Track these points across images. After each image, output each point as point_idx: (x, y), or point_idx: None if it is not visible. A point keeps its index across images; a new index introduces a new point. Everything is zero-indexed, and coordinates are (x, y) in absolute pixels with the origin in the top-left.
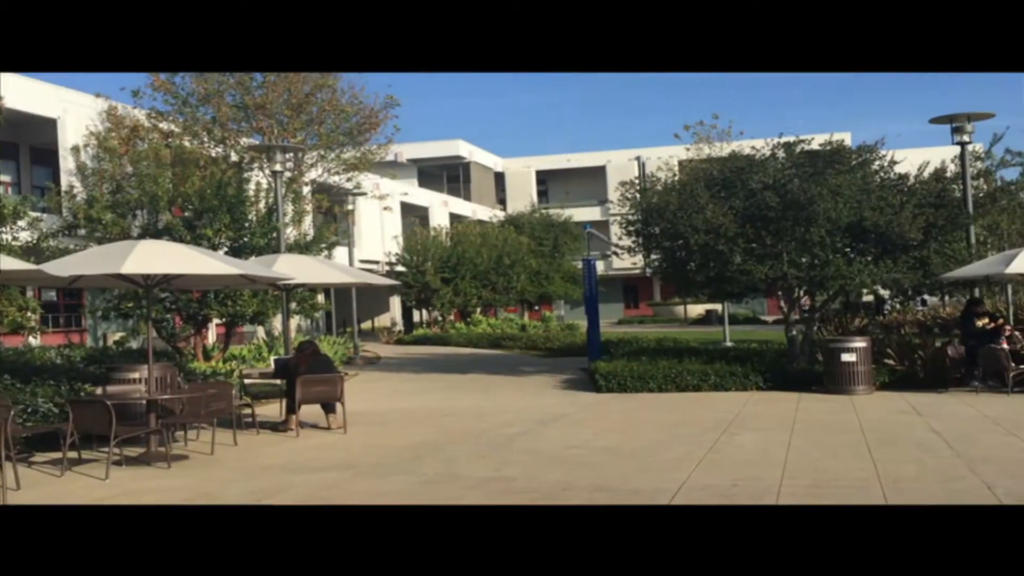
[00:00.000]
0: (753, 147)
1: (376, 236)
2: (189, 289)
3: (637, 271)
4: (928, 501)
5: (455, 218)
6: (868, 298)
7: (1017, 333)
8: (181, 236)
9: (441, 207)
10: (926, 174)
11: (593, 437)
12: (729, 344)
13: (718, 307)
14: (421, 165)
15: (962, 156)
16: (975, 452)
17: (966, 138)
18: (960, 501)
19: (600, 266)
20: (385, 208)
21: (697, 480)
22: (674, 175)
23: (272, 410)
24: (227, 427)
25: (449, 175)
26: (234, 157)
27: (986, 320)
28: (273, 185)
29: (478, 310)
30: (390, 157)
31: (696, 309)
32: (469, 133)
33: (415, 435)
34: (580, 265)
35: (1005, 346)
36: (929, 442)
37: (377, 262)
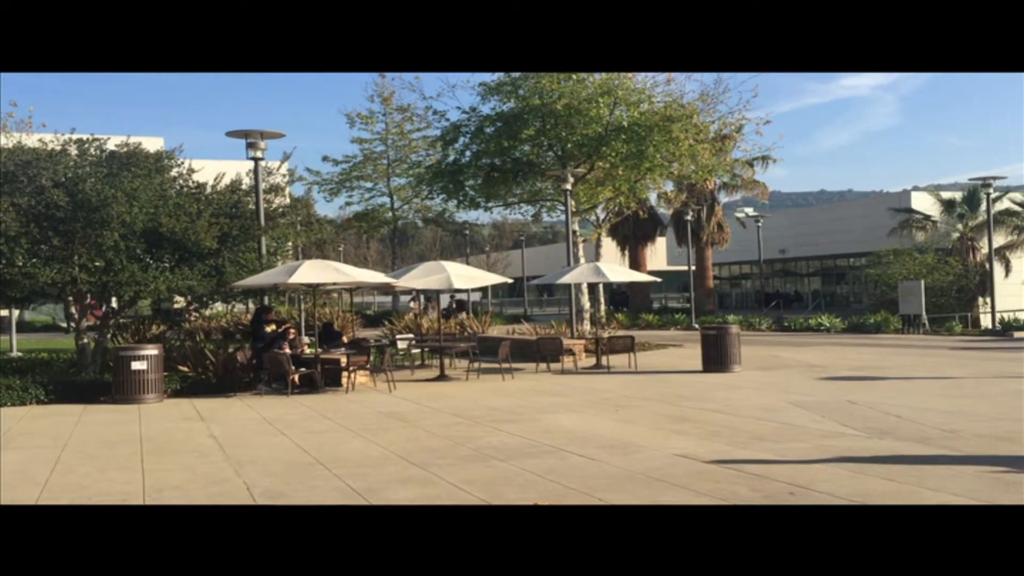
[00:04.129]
0: (42, 140)
1: None
2: None
3: None
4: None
5: None
6: (179, 304)
7: (305, 338)
8: None
9: None
10: (222, 185)
11: None
12: (17, 354)
13: (6, 313)
14: None
15: (255, 170)
16: (245, 454)
17: (259, 154)
18: (219, 503)
19: None
20: None
21: None
22: None
23: None
24: None
25: None
26: None
27: (274, 326)
28: None
29: None
30: None
31: None
32: None
33: None
34: None
35: (288, 350)
36: (205, 448)
37: None
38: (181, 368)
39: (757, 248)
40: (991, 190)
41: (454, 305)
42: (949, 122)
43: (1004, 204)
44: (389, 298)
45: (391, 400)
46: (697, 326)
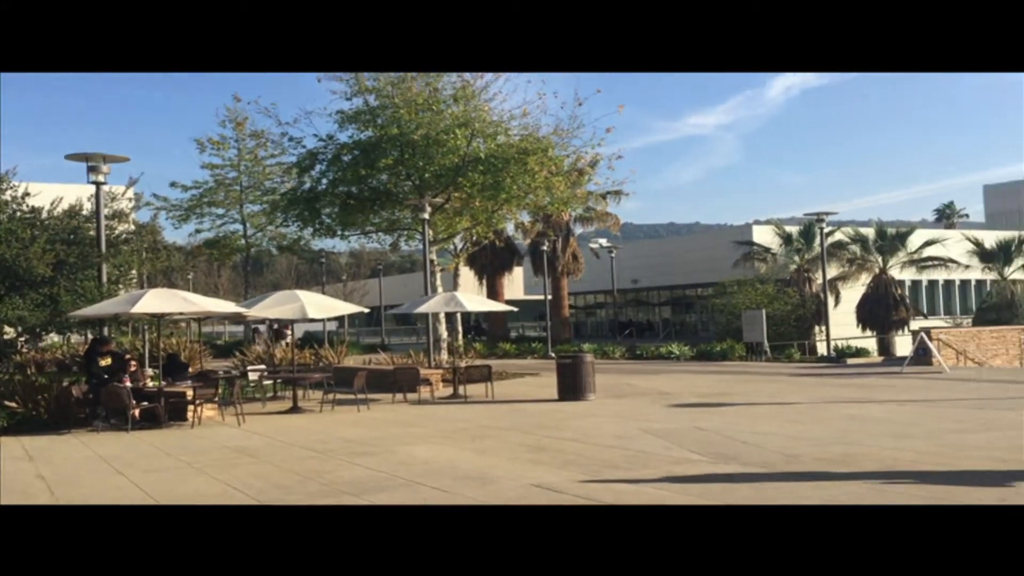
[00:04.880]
0: None
1: None
2: None
3: None
4: None
5: None
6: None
7: (149, 370)
8: None
9: None
10: (59, 210)
11: None
12: None
13: None
14: None
15: (97, 195)
16: (76, 495)
17: (101, 178)
18: None
19: None
20: None
21: None
22: None
23: None
24: None
25: None
26: None
27: (110, 359)
28: None
29: None
30: None
31: None
32: None
33: None
34: None
35: (128, 383)
36: (32, 490)
37: None
38: (8, 404)
39: (611, 278)
40: (824, 224)
41: (271, 335)
42: (785, 160)
43: (837, 237)
44: (241, 328)
45: (240, 434)
46: (553, 355)
